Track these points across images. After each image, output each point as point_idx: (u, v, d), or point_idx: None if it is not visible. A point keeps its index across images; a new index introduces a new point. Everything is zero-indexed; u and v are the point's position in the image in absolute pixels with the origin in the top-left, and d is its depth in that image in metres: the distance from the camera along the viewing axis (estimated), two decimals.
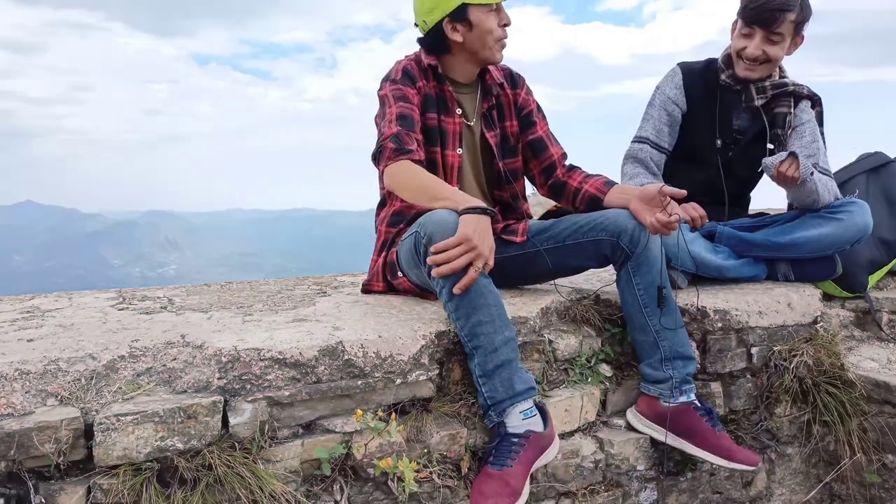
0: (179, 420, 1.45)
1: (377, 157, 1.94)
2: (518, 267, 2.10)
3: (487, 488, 1.62)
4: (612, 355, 2.12)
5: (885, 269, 2.68)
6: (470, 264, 1.64)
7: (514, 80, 2.22)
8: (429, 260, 1.67)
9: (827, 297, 2.55)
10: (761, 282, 2.47)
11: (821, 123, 2.51)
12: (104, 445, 1.39)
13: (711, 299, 2.21)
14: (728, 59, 2.47)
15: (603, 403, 2.06)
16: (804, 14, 2.33)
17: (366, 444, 1.64)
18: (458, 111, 2.10)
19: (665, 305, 1.94)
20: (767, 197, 2.34)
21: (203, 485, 1.45)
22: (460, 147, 2.10)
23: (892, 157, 2.77)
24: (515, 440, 1.68)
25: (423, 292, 2.02)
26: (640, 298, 1.95)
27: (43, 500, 1.38)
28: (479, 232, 1.65)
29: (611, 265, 2.04)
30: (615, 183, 2.14)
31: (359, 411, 1.58)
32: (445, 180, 2.05)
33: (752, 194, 2.72)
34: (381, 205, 2.16)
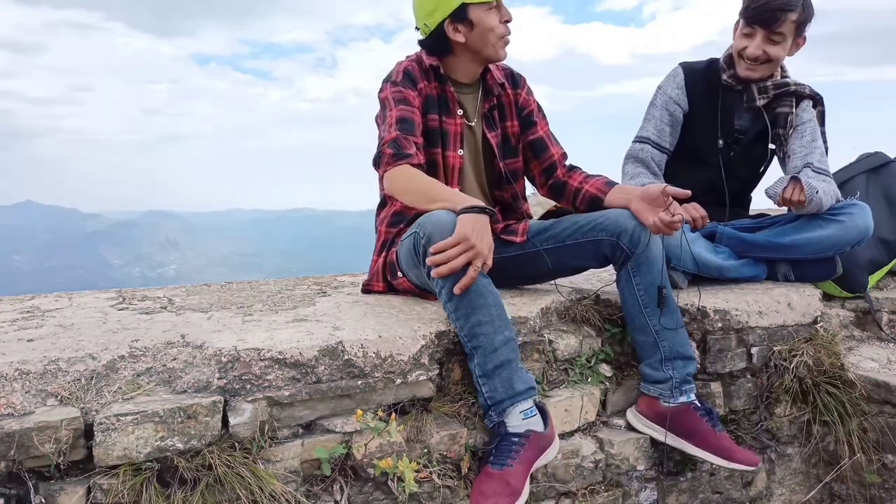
0: (179, 420, 1.45)
1: (377, 162, 1.94)
2: (518, 267, 2.10)
3: (488, 488, 1.62)
4: (612, 355, 2.12)
5: (885, 269, 2.68)
6: (469, 263, 1.64)
7: (514, 80, 2.22)
8: (428, 260, 1.67)
9: (827, 297, 2.55)
10: (761, 282, 2.47)
11: (822, 123, 2.51)
12: (104, 445, 1.39)
13: (711, 299, 2.21)
14: (730, 59, 2.47)
15: (603, 403, 2.06)
16: (806, 14, 2.33)
17: (366, 444, 1.64)
18: (460, 112, 2.10)
19: (665, 305, 1.94)
20: (768, 197, 2.35)
21: (203, 485, 1.45)
22: (461, 148, 2.10)
23: (892, 157, 2.77)
24: (515, 440, 1.68)
25: (423, 292, 2.02)
26: (640, 298, 1.95)
27: (43, 500, 1.38)
28: (477, 231, 1.65)
29: (611, 265, 2.04)
30: (616, 183, 2.14)
31: (359, 411, 1.58)
32: (446, 181, 2.05)
33: (752, 195, 2.73)
34: (382, 205, 2.16)
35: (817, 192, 2.21)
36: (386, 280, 2.12)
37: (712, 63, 2.55)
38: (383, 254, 2.11)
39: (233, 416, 1.53)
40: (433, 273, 1.66)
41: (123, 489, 1.39)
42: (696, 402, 1.99)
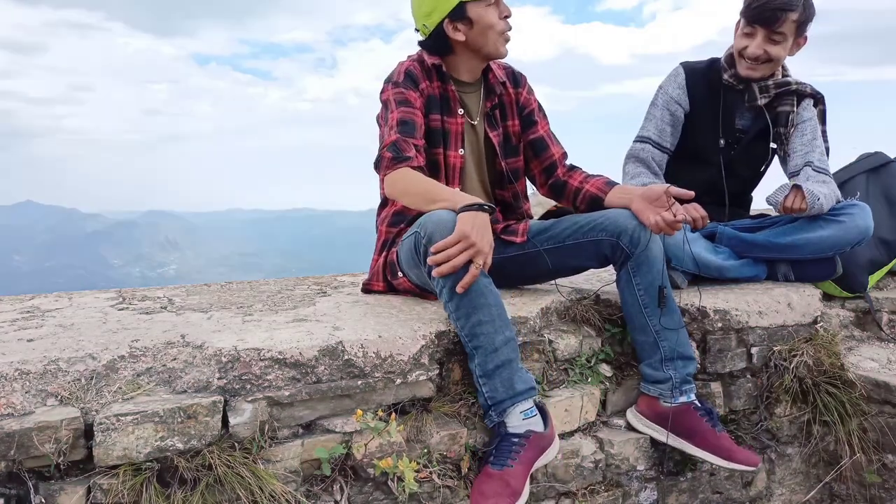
0: (179, 420, 1.45)
1: (377, 166, 1.95)
2: (518, 267, 2.10)
3: (488, 488, 1.62)
4: (612, 355, 2.12)
5: (885, 269, 2.68)
6: (470, 262, 1.64)
7: (515, 79, 2.22)
8: (429, 260, 1.67)
9: (827, 297, 2.55)
10: (761, 282, 2.47)
11: (823, 122, 2.51)
12: (104, 445, 1.39)
13: (711, 299, 2.21)
14: (731, 58, 2.47)
15: (603, 403, 2.06)
16: (807, 14, 2.33)
17: (366, 444, 1.64)
18: (460, 111, 2.09)
19: (665, 305, 1.94)
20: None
21: (203, 485, 1.45)
22: (462, 147, 2.10)
23: (892, 157, 2.77)
24: (516, 440, 1.68)
25: (423, 292, 2.02)
26: (640, 298, 1.95)
27: (43, 500, 1.38)
28: (476, 228, 1.65)
29: (611, 265, 2.04)
30: (616, 183, 2.14)
31: (359, 411, 1.58)
32: (448, 181, 2.05)
33: (753, 195, 2.73)
34: (382, 205, 2.16)
35: (819, 198, 2.21)
36: (386, 280, 2.12)
37: (713, 63, 2.55)
38: (384, 253, 2.11)
39: (233, 416, 1.53)
40: (434, 272, 1.66)
41: (123, 489, 1.39)
42: (697, 402, 1.99)
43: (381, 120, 2.01)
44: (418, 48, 2.11)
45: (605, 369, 2.08)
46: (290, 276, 2.84)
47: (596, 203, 2.11)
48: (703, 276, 2.38)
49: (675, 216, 1.85)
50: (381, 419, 1.61)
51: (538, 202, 2.72)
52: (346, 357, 1.62)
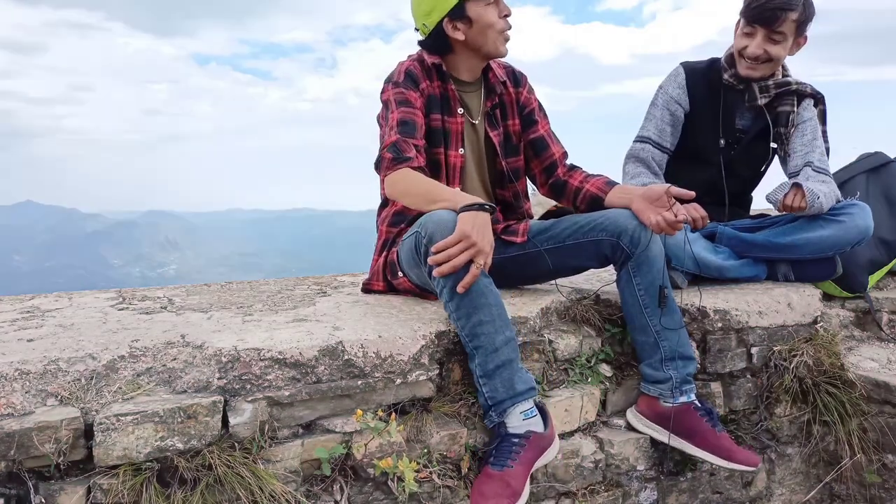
0: (179, 420, 1.45)
1: (378, 166, 1.95)
2: (518, 267, 2.10)
3: (488, 489, 1.62)
4: (612, 355, 2.12)
5: (885, 269, 2.68)
6: (471, 262, 1.64)
7: (516, 78, 2.22)
8: (430, 260, 1.67)
9: (827, 297, 2.55)
10: (761, 282, 2.47)
11: (823, 122, 2.51)
12: (104, 445, 1.39)
13: (711, 299, 2.21)
14: (731, 58, 2.47)
15: (603, 403, 2.06)
16: (807, 14, 2.33)
17: (366, 444, 1.64)
18: (461, 111, 2.09)
19: (666, 306, 1.94)
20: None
21: (203, 485, 1.45)
22: (462, 147, 2.10)
23: (892, 157, 2.77)
24: (516, 441, 1.68)
25: (424, 292, 2.02)
26: (641, 299, 1.95)
27: (43, 500, 1.38)
28: (477, 227, 1.64)
29: (611, 265, 2.04)
30: (616, 183, 2.14)
31: (359, 411, 1.58)
32: (449, 180, 2.05)
33: (753, 195, 2.73)
34: (383, 205, 2.16)
35: (818, 198, 2.21)
36: (386, 280, 2.12)
37: (713, 63, 2.55)
38: (384, 253, 2.11)
39: (233, 416, 1.53)
40: (435, 272, 1.66)
41: (123, 489, 1.39)
42: (697, 402, 1.99)
43: (382, 120, 2.01)
44: (418, 48, 2.11)
45: (605, 369, 2.08)
46: (290, 276, 2.84)
47: (596, 203, 2.11)
48: (703, 276, 2.38)
49: (675, 216, 1.85)
50: (381, 419, 1.61)
51: (538, 202, 2.72)
52: (346, 357, 1.62)
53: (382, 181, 1.97)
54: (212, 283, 2.52)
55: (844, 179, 2.71)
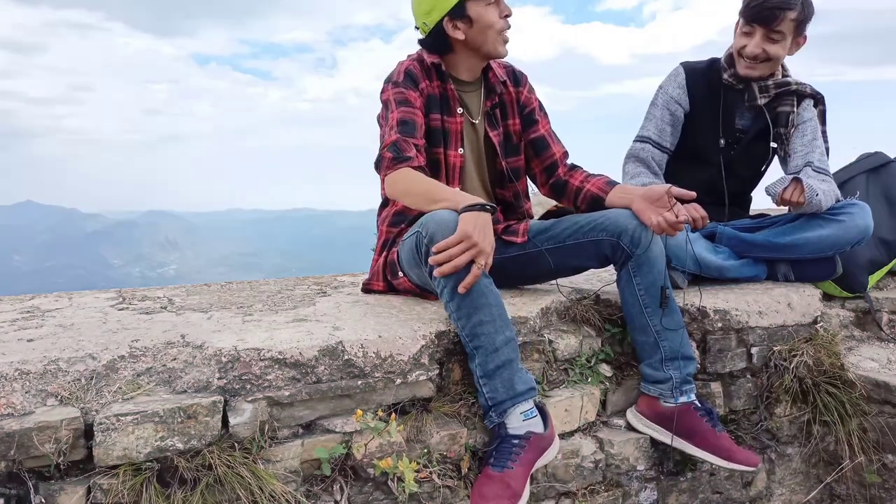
0: (179, 420, 1.44)
1: (378, 166, 1.95)
2: (519, 267, 2.10)
3: (488, 490, 1.62)
4: (612, 355, 2.12)
5: (885, 269, 2.68)
6: (472, 262, 1.64)
7: (516, 77, 2.22)
8: (431, 260, 1.67)
9: (827, 297, 2.55)
10: (761, 282, 2.47)
11: (823, 122, 2.51)
12: (104, 445, 1.39)
13: (711, 299, 2.21)
14: (731, 58, 2.47)
15: (603, 403, 2.06)
16: (805, 13, 2.32)
17: (366, 444, 1.63)
18: (460, 110, 2.09)
19: (667, 306, 1.94)
20: (768, 198, 2.36)
21: (203, 485, 1.45)
22: (462, 147, 2.10)
23: (892, 157, 2.77)
24: (516, 442, 1.68)
25: (424, 292, 2.02)
26: (641, 299, 1.95)
27: (43, 500, 1.38)
28: (478, 228, 1.64)
29: (612, 265, 2.04)
30: (617, 183, 2.14)
31: (359, 411, 1.58)
32: (448, 180, 2.05)
33: (752, 195, 2.73)
34: (383, 205, 2.16)
35: (817, 194, 2.21)
36: (386, 280, 2.12)
37: (713, 63, 2.55)
38: (384, 253, 2.11)
39: (233, 416, 1.53)
40: (436, 272, 1.66)
41: (123, 489, 1.39)
42: (697, 402, 1.99)
43: (382, 120, 2.01)
44: (418, 47, 2.11)
45: (605, 369, 2.08)
46: (290, 276, 2.84)
47: (597, 203, 2.11)
48: (703, 276, 2.38)
49: (676, 217, 1.85)
50: (381, 419, 1.61)
51: (538, 202, 2.72)
52: (346, 357, 1.62)
53: (382, 181, 1.97)
54: (212, 283, 2.52)
55: (844, 179, 2.71)
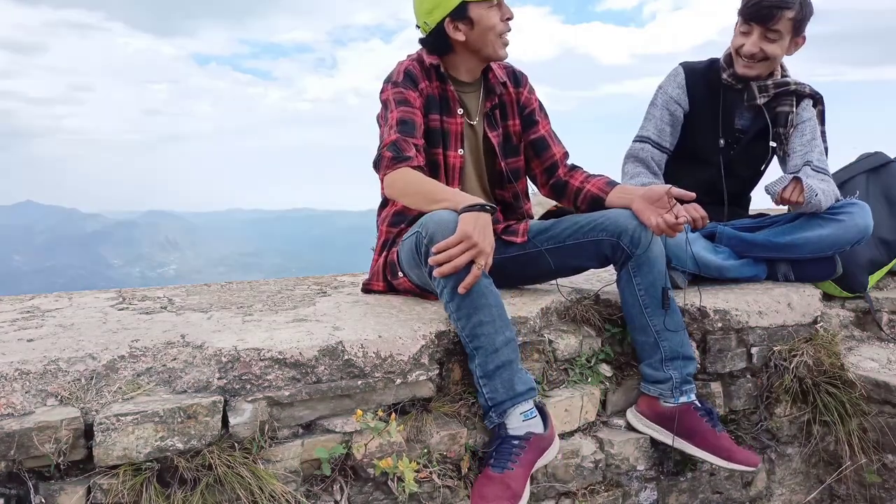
0: (179, 420, 1.44)
1: (377, 166, 1.94)
2: (519, 267, 2.10)
3: (488, 491, 1.62)
4: (612, 355, 2.12)
5: (885, 269, 2.68)
6: (472, 262, 1.64)
7: (516, 78, 2.22)
8: (430, 260, 1.67)
9: (827, 297, 2.55)
10: (761, 282, 2.47)
11: (822, 122, 2.52)
12: (104, 445, 1.39)
13: (711, 299, 2.21)
14: (730, 58, 2.48)
15: (603, 403, 2.06)
16: (804, 13, 2.33)
17: (366, 444, 1.64)
18: (460, 111, 2.09)
19: (667, 306, 1.94)
20: (767, 197, 2.36)
21: (203, 485, 1.45)
22: (461, 147, 2.10)
23: (892, 157, 2.77)
24: (516, 442, 1.68)
25: (424, 292, 2.02)
26: (641, 299, 1.95)
27: (43, 500, 1.38)
28: (478, 228, 1.64)
29: (611, 265, 2.04)
30: (617, 183, 2.14)
31: (359, 411, 1.58)
32: (448, 181, 2.05)
33: (752, 194, 2.73)
34: (383, 205, 2.16)
35: (816, 194, 2.21)
36: (386, 280, 2.12)
37: (713, 63, 2.55)
38: (384, 253, 2.11)
39: (233, 416, 1.53)
40: (436, 273, 1.66)
41: (123, 489, 1.39)
42: (697, 402, 1.99)
43: (381, 120, 2.01)
44: (418, 47, 2.11)
45: (605, 369, 2.08)
46: (290, 276, 2.84)
47: (597, 203, 2.11)
48: (702, 276, 2.38)
49: (676, 218, 1.85)
50: (381, 419, 1.61)
51: (538, 202, 2.72)
52: (346, 357, 1.62)
53: (382, 180, 1.97)
54: (212, 283, 2.52)
55: (844, 179, 2.71)
